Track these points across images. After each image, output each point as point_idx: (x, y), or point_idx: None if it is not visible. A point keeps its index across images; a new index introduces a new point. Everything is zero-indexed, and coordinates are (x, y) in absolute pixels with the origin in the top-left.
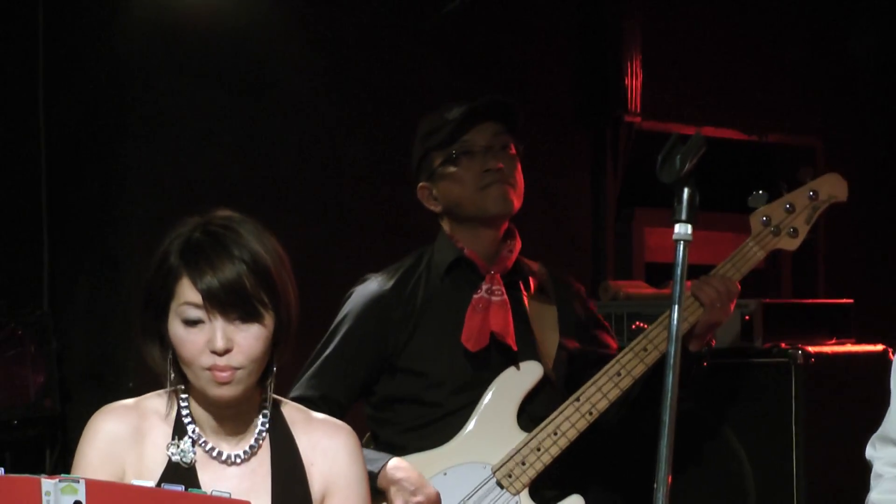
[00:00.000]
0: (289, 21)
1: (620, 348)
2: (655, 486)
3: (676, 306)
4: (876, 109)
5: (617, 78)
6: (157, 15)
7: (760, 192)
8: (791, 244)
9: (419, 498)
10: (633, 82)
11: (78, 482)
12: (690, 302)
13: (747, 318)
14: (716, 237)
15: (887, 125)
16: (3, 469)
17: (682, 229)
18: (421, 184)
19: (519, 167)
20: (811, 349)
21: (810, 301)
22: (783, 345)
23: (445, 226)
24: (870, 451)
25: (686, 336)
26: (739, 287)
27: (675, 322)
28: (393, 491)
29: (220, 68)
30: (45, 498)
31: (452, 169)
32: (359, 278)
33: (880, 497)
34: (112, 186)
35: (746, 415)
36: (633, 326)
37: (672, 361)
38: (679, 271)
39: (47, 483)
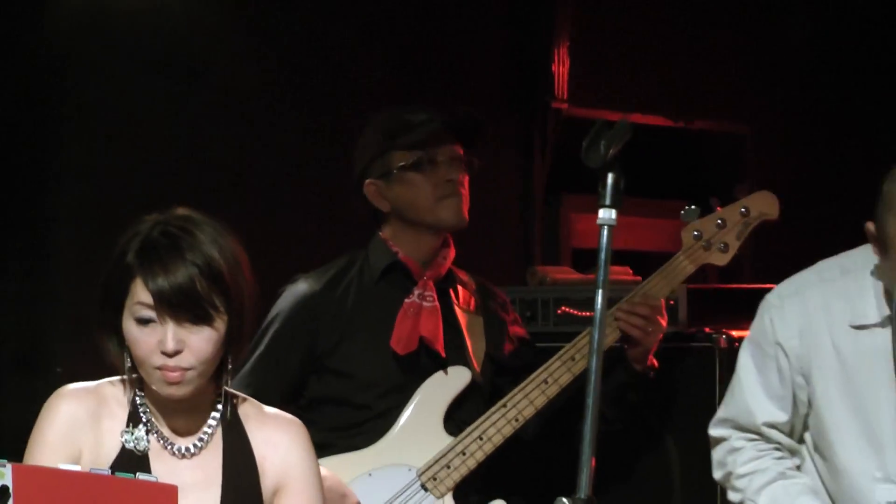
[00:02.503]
0: (225, 8)
1: (542, 346)
2: (580, 467)
3: (601, 290)
4: (804, 97)
5: (545, 64)
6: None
7: (693, 206)
8: (721, 259)
9: None
10: (561, 69)
11: (5, 466)
12: (611, 320)
13: (672, 302)
14: (643, 222)
15: (816, 112)
16: None
17: (606, 214)
18: (370, 183)
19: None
20: (734, 333)
21: (735, 286)
22: (707, 329)
23: (385, 228)
24: (719, 432)
25: (628, 359)
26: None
27: (599, 304)
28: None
29: (155, 57)
30: None
31: (414, 174)
32: (291, 277)
33: (746, 468)
34: (41, 174)
35: (671, 397)
36: (560, 311)
37: (596, 346)
38: (603, 255)
39: None
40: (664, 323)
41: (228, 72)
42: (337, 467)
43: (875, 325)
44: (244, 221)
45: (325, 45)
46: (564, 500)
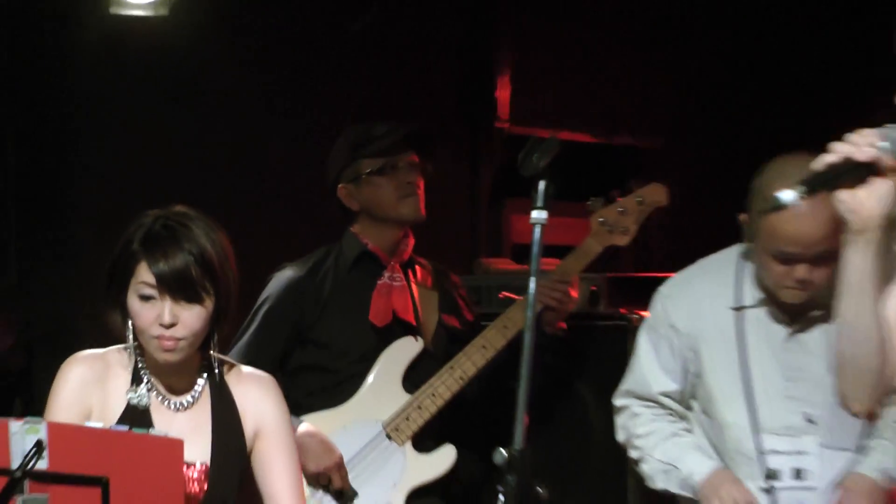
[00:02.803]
0: (218, 41)
1: (486, 324)
2: (515, 423)
3: (533, 278)
4: (709, 114)
5: (490, 90)
6: (107, 31)
7: (598, 197)
8: (623, 240)
9: (328, 463)
10: (502, 94)
11: (40, 423)
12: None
13: (594, 287)
14: (571, 222)
15: (720, 126)
16: None
17: (538, 214)
18: (343, 186)
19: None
20: (644, 314)
21: (647, 274)
22: (622, 310)
23: (356, 224)
24: (621, 401)
25: (543, 323)
26: (576, 277)
27: (532, 289)
28: (305, 455)
29: (161, 78)
30: (12, 437)
31: (379, 178)
32: (277, 266)
33: (644, 429)
34: (70, 177)
35: (593, 368)
36: (501, 296)
37: (530, 323)
38: (536, 249)
39: (14, 424)
40: (575, 294)
41: (223, 93)
42: (317, 422)
43: (751, 307)
44: (235, 219)
45: (307, 74)
46: (502, 450)
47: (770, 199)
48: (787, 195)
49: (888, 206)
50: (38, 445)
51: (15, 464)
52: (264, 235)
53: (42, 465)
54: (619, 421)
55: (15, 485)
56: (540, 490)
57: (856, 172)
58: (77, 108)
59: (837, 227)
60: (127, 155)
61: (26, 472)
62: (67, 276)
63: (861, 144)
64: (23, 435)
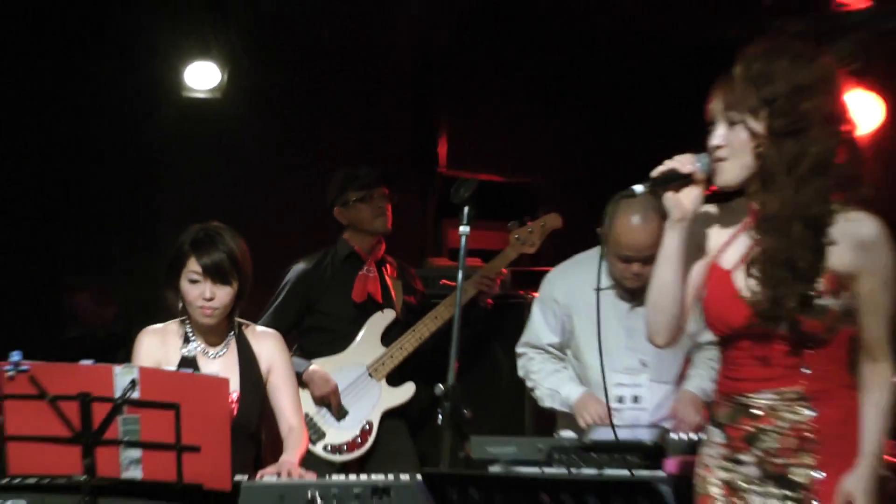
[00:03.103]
0: (252, 114)
1: (435, 302)
2: (449, 367)
3: (461, 272)
4: (582, 161)
5: (433, 146)
6: (180, 107)
7: (514, 221)
8: (530, 250)
9: (327, 390)
10: (441, 149)
11: (134, 368)
12: (469, 284)
13: (505, 271)
14: (489, 234)
15: (588, 170)
16: (93, 361)
17: (463, 229)
18: (337, 208)
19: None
20: (535, 294)
21: (536, 269)
22: (521, 292)
23: (346, 233)
24: (521, 350)
25: (479, 302)
26: (504, 271)
27: (460, 281)
28: (312, 385)
29: (215, 139)
30: (115, 377)
31: (361, 204)
32: (293, 261)
33: (537, 367)
34: (154, 201)
35: (506, 335)
36: (441, 283)
37: (459, 300)
38: (462, 252)
39: (117, 368)
40: (498, 282)
41: (253, 146)
42: (321, 365)
43: (605, 289)
44: (262, 230)
45: (309, 133)
46: (440, 384)
47: (626, 192)
48: (637, 187)
49: (698, 204)
50: (133, 382)
51: (117, 394)
52: (281, 241)
53: (135, 395)
54: (520, 363)
55: (117, 409)
56: (465, 412)
57: (679, 180)
58: (159, 157)
59: (658, 239)
60: (192, 187)
61: (125, 400)
62: (152, 267)
63: (684, 162)
64: (123, 375)
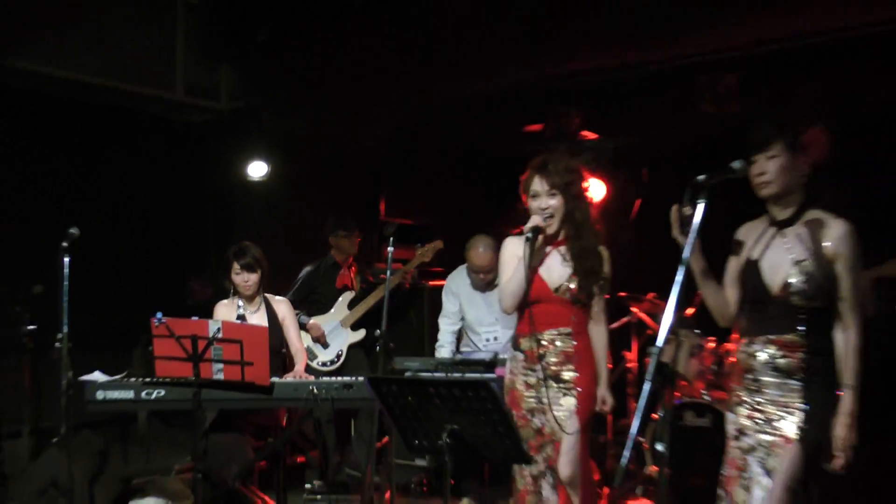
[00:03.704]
0: (288, 191)
1: (376, 286)
2: (382, 322)
3: (389, 270)
4: (458, 211)
5: (377, 204)
6: (242, 186)
7: (419, 244)
8: (427, 260)
9: (319, 333)
10: (382, 206)
11: (218, 322)
12: (397, 276)
13: (413, 271)
14: (406, 251)
15: (463, 216)
16: (198, 317)
17: (390, 249)
18: (331, 238)
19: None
20: (431, 283)
21: (434, 269)
22: (422, 282)
23: (332, 251)
24: (440, 319)
25: (400, 285)
26: (412, 271)
27: (389, 274)
28: (311, 330)
29: (263, 207)
30: (210, 326)
31: (344, 240)
32: (303, 266)
33: (444, 329)
34: (230, 233)
35: (414, 305)
36: (381, 276)
37: (388, 285)
38: (389, 260)
39: (210, 322)
40: (409, 276)
41: (284, 203)
42: (316, 320)
43: (472, 286)
44: (286, 250)
45: (315, 199)
46: (378, 330)
47: (525, 235)
48: (528, 234)
49: (542, 241)
50: (218, 329)
51: (210, 335)
52: (297, 255)
53: (219, 336)
54: (441, 324)
55: (210, 343)
56: (391, 344)
57: (539, 230)
58: (233, 213)
59: (491, 263)
60: (252, 229)
61: (214, 338)
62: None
63: (537, 220)
64: (213, 325)
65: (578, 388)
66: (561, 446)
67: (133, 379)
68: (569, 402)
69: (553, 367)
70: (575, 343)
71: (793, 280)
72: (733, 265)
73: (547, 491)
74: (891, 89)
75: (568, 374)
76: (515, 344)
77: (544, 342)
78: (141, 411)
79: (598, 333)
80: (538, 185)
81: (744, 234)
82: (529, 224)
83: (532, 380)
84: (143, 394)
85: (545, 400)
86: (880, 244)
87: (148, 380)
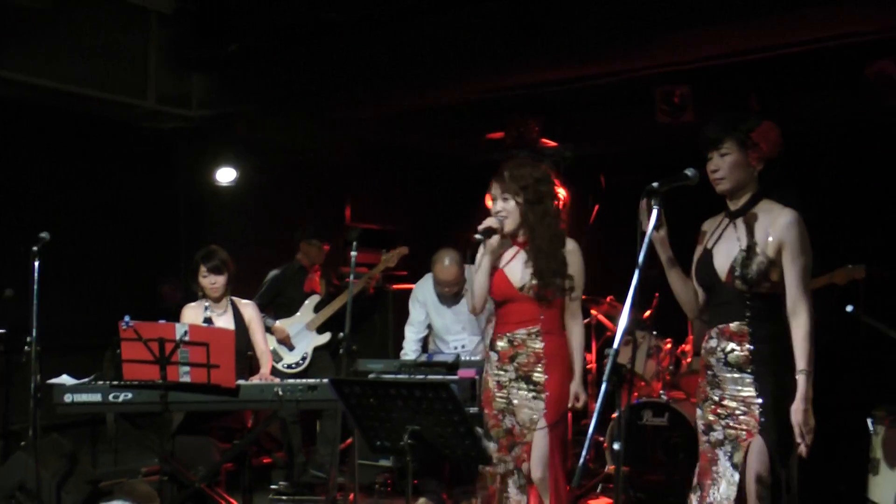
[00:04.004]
0: (254, 193)
1: (342, 289)
2: (346, 323)
3: (352, 273)
4: (422, 217)
5: (342, 213)
6: (211, 192)
7: (384, 249)
8: (392, 265)
9: (285, 335)
10: (347, 212)
11: (185, 325)
12: (364, 280)
13: (378, 276)
14: (372, 256)
15: (427, 222)
16: (164, 320)
17: (353, 253)
18: (302, 242)
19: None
20: (396, 287)
21: (398, 273)
22: (387, 285)
23: (299, 255)
24: (407, 327)
25: (364, 289)
26: (378, 275)
27: (352, 278)
28: (276, 332)
29: (233, 211)
30: (177, 329)
31: (314, 248)
32: (270, 270)
33: (410, 336)
34: (199, 238)
35: (379, 309)
36: (346, 280)
37: (351, 289)
38: (352, 264)
39: (178, 325)
40: (376, 279)
41: (253, 209)
42: (282, 323)
43: (438, 295)
44: (254, 253)
45: (284, 208)
46: (342, 333)
47: (476, 237)
48: (478, 236)
49: (498, 243)
50: (185, 332)
51: (178, 338)
52: (265, 259)
53: (186, 338)
54: (406, 333)
55: (177, 346)
56: (354, 347)
57: (492, 231)
58: (202, 218)
59: (456, 277)
60: (222, 234)
61: (181, 341)
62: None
63: (491, 221)
64: (180, 328)
65: (546, 392)
66: (532, 448)
67: (101, 382)
68: (538, 406)
69: (524, 368)
70: (544, 343)
71: (736, 265)
72: (697, 256)
73: (514, 491)
74: (831, 104)
75: (538, 377)
76: (491, 344)
77: (517, 342)
78: (109, 414)
79: (573, 330)
80: (495, 189)
81: (707, 226)
82: (482, 225)
83: (504, 379)
84: (111, 396)
85: (515, 401)
86: (826, 253)
87: (115, 383)
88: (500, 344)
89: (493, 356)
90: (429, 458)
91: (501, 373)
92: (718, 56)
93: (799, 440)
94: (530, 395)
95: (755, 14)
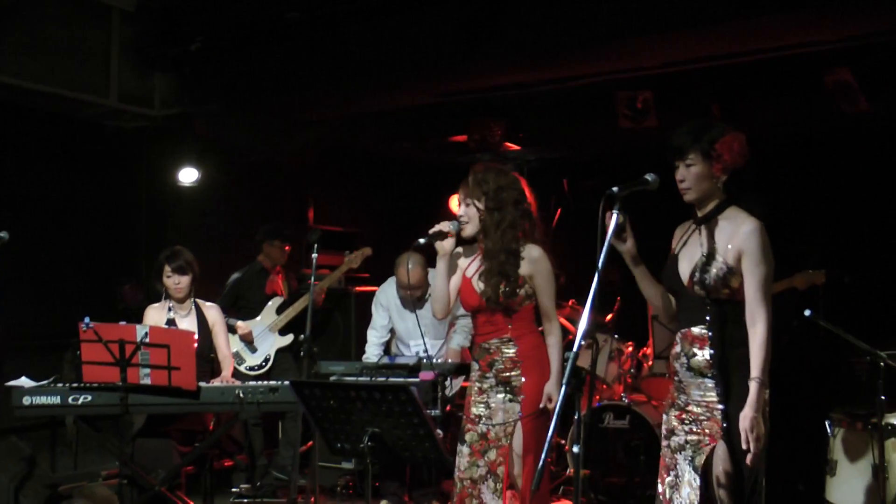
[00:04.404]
0: (219, 196)
1: (304, 293)
2: (306, 327)
3: (313, 276)
4: (386, 219)
5: (306, 215)
6: (173, 191)
7: (348, 250)
8: (355, 266)
9: (248, 337)
10: (310, 214)
11: (146, 326)
12: (319, 290)
13: (342, 280)
14: (335, 257)
15: (391, 224)
16: (125, 321)
17: (314, 255)
18: (264, 243)
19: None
20: (360, 289)
21: (359, 275)
22: (349, 287)
23: (260, 257)
24: (370, 332)
25: (320, 293)
26: (325, 290)
27: (313, 280)
28: (241, 332)
29: (197, 211)
30: (137, 331)
31: (276, 249)
32: (232, 272)
33: (373, 340)
34: (162, 239)
35: (341, 310)
36: (307, 282)
37: (312, 291)
38: (314, 266)
39: (139, 327)
40: (325, 293)
41: (216, 211)
42: (245, 324)
43: (401, 298)
44: (217, 254)
45: (251, 207)
46: (303, 335)
47: (416, 244)
48: (421, 240)
49: (452, 247)
50: (146, 334)
51: (138, 339)
52: (227, 260)
53: (147, 340)
54: (369, 336)
55: (138, 347)
56: (315, 349)
57: (442, 235)
58: (165, 218)
59: (419, 280)
60: (184, 234)
61: (142, 343)
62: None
63: (444, 225)
64: (141, 330)
65: (522, 395)
66: (509, 449)
67: (60, 384)
68: (514, 408)
69: (503, 374)
70: (517, 347)
71: (696, 271)
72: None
73: (487, 496)
74: (791, 111)
75: (516, 381)
76: (472, 352)
77: (492, 349)
78: (68, 416)
79: (549, 332)
80: (461, 193)
81: (678, 231)
82: (433, 229)
83: (485, 386)
84: (71, 399)
85: (493, 404)
86: (787, 258)
87: (75, 385)
88: (479, 353)
89: (475, 365)
90: (389, 460)
91: (482, 381)
92: (681, 62)
93: (745, 447)
94: (507, 398)
95: (717, 21)
